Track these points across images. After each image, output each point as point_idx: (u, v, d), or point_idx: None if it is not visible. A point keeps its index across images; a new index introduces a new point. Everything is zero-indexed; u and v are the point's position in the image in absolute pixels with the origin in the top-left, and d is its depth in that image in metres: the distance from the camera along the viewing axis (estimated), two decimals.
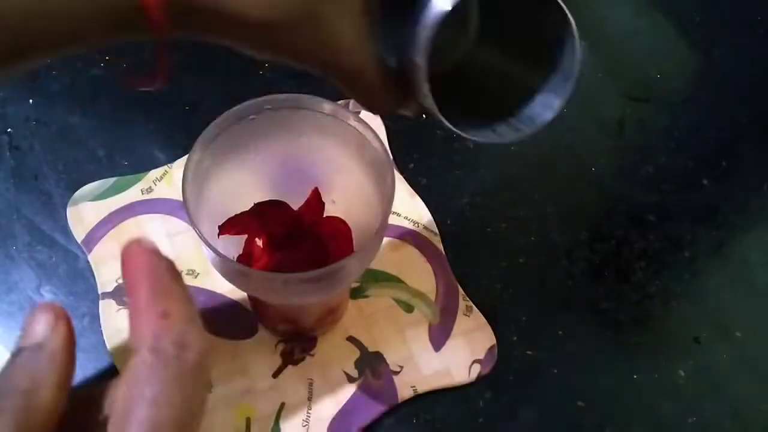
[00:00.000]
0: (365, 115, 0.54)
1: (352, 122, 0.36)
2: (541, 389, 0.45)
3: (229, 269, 0.34)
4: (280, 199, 0.41)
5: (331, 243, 0.41)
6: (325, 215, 0.41)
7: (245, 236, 0.41)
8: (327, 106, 0.37)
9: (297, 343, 0.45)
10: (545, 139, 0.55)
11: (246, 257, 0.41)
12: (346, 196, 0.40)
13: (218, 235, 0.37)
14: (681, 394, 0.46)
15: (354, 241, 0.40)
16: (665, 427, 0.45)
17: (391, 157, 0.52)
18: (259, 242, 0.41)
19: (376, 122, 0.54)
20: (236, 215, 0.39)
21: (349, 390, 0.43)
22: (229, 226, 0.38)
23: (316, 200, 0.40)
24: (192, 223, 0.32)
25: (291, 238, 0.41)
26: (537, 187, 0.53)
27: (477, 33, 0.34)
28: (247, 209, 0.39)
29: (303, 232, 0.41)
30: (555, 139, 0.55)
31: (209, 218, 0.36)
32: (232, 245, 0.40)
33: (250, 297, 0.44)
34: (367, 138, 0.36)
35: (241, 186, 0.39)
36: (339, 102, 0.54)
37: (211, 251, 0.32)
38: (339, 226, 0.41)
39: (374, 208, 0.36)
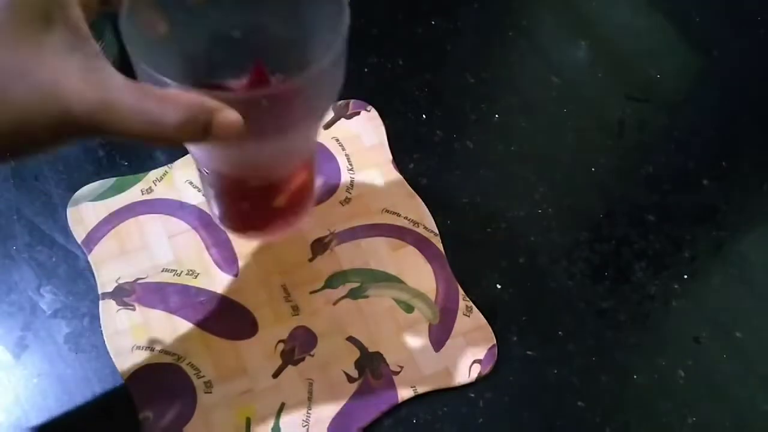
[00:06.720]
0: (365, 116, 0.54)
1: None
2: (541, 389, 0.45)
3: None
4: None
5: None
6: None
7: None
8: None
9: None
10: (545, 139, 0.56)
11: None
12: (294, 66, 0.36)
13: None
14: (681, 394, 0.46)
15: None
16: (665, 427, 0.45)
17: (391, 157, 0.52)
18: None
19: (376, 122, 0.54)
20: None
21: (349, 390, 0.43)
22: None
23: (261, 76, 0.37)
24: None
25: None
26: (537, 187, 0.53)
27: None
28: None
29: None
30: (555, 139, 0.55)
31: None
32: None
33: (214, 196, 0.43)
34: None
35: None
36: (338, 102, 0.54)
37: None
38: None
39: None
